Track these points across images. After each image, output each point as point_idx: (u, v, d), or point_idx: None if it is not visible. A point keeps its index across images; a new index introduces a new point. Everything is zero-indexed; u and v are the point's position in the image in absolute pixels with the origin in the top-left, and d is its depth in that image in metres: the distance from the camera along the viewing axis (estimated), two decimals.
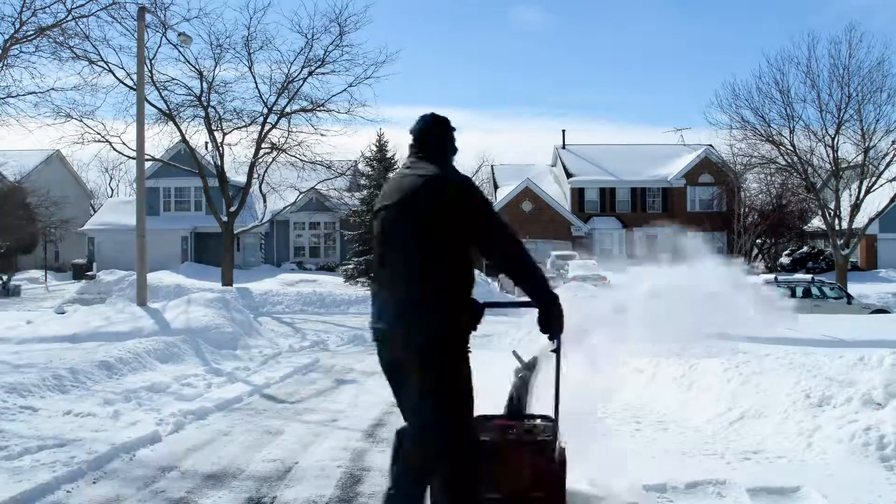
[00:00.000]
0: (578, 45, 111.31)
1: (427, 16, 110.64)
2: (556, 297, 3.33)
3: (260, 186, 27.48)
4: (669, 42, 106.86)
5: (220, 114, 24.45)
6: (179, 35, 17.28)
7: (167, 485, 5.00)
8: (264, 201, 29.46)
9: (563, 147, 44.45)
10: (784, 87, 26.16)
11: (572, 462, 4.12)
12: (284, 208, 30.10)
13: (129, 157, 23.92)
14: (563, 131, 45.82)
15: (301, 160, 25.29)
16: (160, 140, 26.82)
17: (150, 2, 19.35)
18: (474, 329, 3.35)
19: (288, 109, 24.80)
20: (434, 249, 3.10)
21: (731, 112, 27.49)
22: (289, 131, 25.20)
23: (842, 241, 25.63)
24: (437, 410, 3.13)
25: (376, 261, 3.39)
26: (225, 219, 25.04)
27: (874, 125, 25.47)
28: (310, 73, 24.41)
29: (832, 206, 26.32)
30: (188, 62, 23.46)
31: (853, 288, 24.27)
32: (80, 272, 34.99)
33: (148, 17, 17.91)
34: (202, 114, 24.06)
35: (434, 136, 3.49)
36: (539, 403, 4.80)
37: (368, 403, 8.37)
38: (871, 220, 26.56)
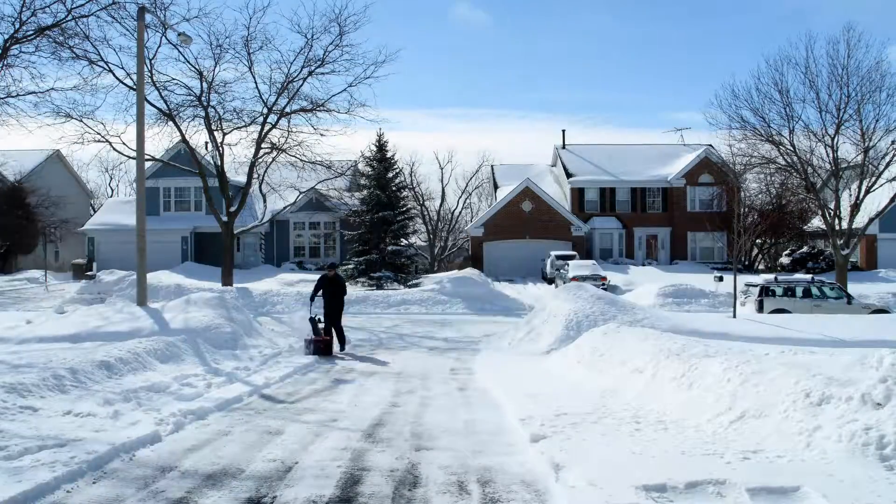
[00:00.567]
0: (578, 45, 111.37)
1: (427, 16, 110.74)
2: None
3: (260, 186, 27.47)
4: (670, 42, 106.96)
5: (220, 114, 24.44)
6: (179, 35, 17.26)
7: (167, 484, 5.00)
8: (264, 201, 29.45)
9: (563, 147, 44.43)
10: (783, 87, 26.17)
11: (571, 462, 4.09)
12: (284, 208, 30.10)
13: (129, 157, 23.90)
14: (563, 131, 45.83)
15: (301, 160, 25.28)
16: (160, 140, 26.88)
17: (150, 2, 19.34)
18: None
19: (288, 109, 24.79)
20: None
21: (731, 112, 27.49)
22: (289, 131, 25.18)
23: (842, 241, 25.62)
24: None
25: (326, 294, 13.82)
26: (225, 219, 25.03)
27: (874, 125, 25.47)
28: (310, 73, 24.40)
29: (832, 206, 26.31)
30: (188, 62, 23.45)
31: (853, 288, 24.26)
32: (80, 272, 34.98)
33: (148, 17, 17.91)
34: (202, 114, 24.06)
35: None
36: None
37: (368, 403, 8.37)
38: (871, 220, 26.55)
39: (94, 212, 43.61)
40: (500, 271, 37.04)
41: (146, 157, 17.62)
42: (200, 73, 23.35)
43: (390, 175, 31.18)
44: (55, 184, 40.88)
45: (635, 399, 7.95)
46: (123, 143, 23.57)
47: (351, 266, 29.60)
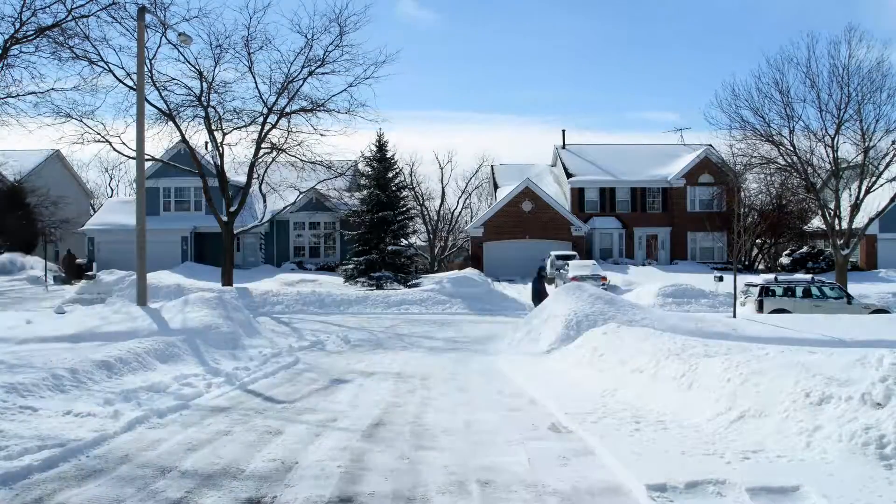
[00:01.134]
0: (577, 44, 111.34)
1: (424, 19, 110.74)
2: None
3: (260, 186, 27.48)
4: (671, 41, 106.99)
5: (220, 114, 24.45)
6: (179, 35, 17.26)
7: (167, 484, 5.00)
8: (264, 201, 29.47)
9: (563, 147, 44.43)
10: (784, 86, 26.16)
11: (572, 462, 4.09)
12: (284, 208, 30.10)
13: (129, 157, 23.91)
14: (563, 131, 45.84)
15: (301, 160, 25.29)
16: (160, 140, 26.80)
17: (150, 2, 19.36)
18: None
19: (288, 109, 24.80)
20: None
21: (731, 112, 27.49)
22: (289, 131, 25.20)
23: (842, 241, 25.61)
24: None
25: None
26: (225, 219, 25.04)
27: (874, 125, 25.45)
28: (310, 73, 24.42)
29: (832, 206, 26.30)
30: (188, 62, 23.46)
31: (853, 288, 24.26)
32: (80, 272, 34.96)
33: (148, 17, 17.91)
34: (202, 114, 24.06)
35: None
36: None
37: (368, 403, 8.37)
38: (871, 220, 26.55)
39: (94, 212, 43.60)
40: (500, 271, 37.02)
41: (146, 157, 17.63)
42: (200, 73, 23.36)
43: (390, 175, 31.17)
44: (55, 184, 40.87)
45: (636, 399, 7.95)
46: (123, 143, 23.59)
47: (351, 266, 29.59)
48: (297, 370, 11.38)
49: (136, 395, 8.20)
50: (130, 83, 21.87)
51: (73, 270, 34.21)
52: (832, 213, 25.92)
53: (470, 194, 55.65)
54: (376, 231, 29.91)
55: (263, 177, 26.79)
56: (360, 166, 33.60)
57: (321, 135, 24.83)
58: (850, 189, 26.77)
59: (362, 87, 31.80)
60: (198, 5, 66.89)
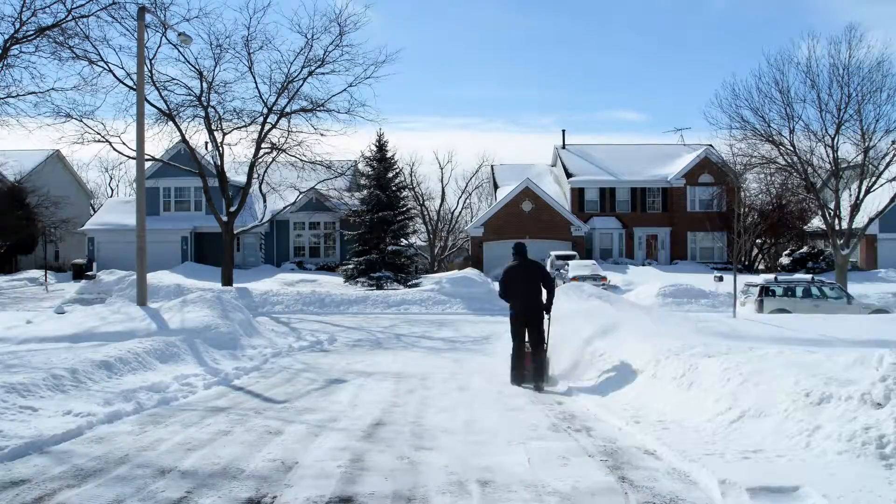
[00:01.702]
0: (576, 45, 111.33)
1: (427, 16, 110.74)
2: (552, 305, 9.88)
3: (260, 186, 27.49)
4: (670, 41, 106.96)
5: (220, 114, 24.48)
6: (179, 35, 17.28)
7: (166, 484, 5.00)
8: (264, 201, 29.49)
9: (563, 147, 44.46)
10: (784, 86, 26.18)
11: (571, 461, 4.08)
12: (284, 208, 30.11)
13: (129, 157, 23.93)
14: (563, 131, 45.91)
15: (301, 160, 25.32)
16: (160, 140, 26.94)
17: (150, 2, 19.37)
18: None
19: (288, 109, 24.83)
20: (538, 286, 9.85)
21: (731, 112, 27.50)
22: (289, 131, 25.23)
23: (842, 241, 25.61)
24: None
25: (518, 286, 9.78)
26: (225, 219, 25.04)
27: (874, 125, 25.47)
28: (310, 73, 24.45)
29: (832, 206, 26.30)
30: (188, 62, 23.49)
31: (853, 288, 24.26)
32: (80, 272, 34.98)
33: (148, 17, 17.92)
34: (202, 114, 24.08)
35: (523, 249, 10.03)
36: None
37: (368, 403, 8.37)
38: (871, 220, 26.55)
39: (94, 212, 43.61)
40: (500, 271, 37.06)
41: (146, 157, 17.64)
42: (200, 73, 23.38)
43: (390, 175, 31.19)
44: (55, 184, 40.89)
45: (635, 399, 7.95)
46: (123, 143, 23.63)
47: (351, 266, 29.60)
48: (297, 370, 11.38)
49: (136, 395, 8.20)
50: (130, 83, 21.89)
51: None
52: (832, 213, 25.92)
53: (470, 194, 55.72)
54: (376, 231, 29.93)
55: (263, 177, 26.81)
56: (360, 166, 33.64)
57: (321, 135, 24.88)
58: (850, 189, 26.77)
59: (362, 87, 31.87)
60: (198, 5, 66.93)
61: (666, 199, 40.71)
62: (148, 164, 23.87)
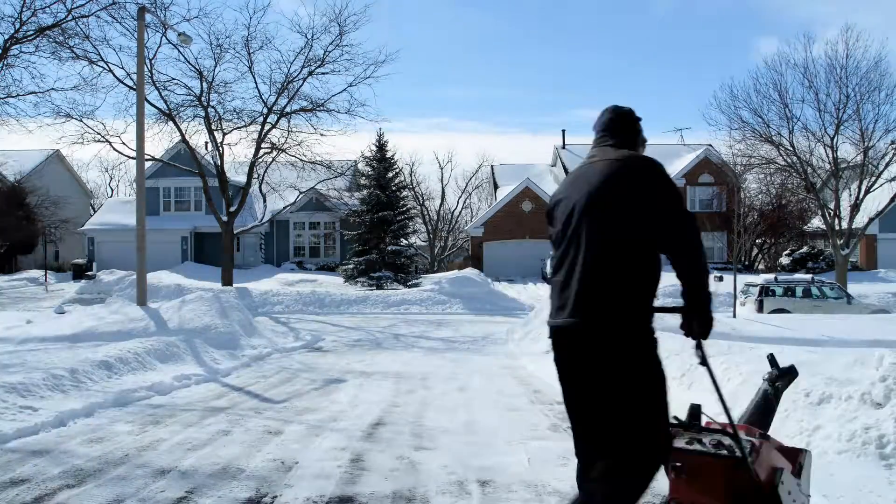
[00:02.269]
0: (575, 44, 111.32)
1: (428, 16, 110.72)
2: (705, 307, 2.96)
3: (260, 186, 27.50)
4: (670, 40, 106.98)
5: (220, 114, 24.49)
6: (179, 35, 17.28)
7: (166, 484, 5.00)
8: (264, 201, 29.50)
9: (563, 147, 44.45)
10: (782, 87, 26.19)
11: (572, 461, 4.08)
12: (284, 208, 30.11)
13: (129, 157, 23.94)
14: (563, 131, 45.93)
15: (301, 160, 25.33)
16: (160, 140, 26.97)
17: (150, 2, 19.37)
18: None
19: (288, 109, 24.84)
20: (624, 243, 2.85)
21: (730, 113, 27.54)
22: (289, 131, 25.25)
23: (842, 241, 25.62)
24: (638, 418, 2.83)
25: (558, 258, 3.09)
26: (225, 219, 25.04)
27: (873, 125, 25.49)
28: (310, 73, 24.46)
29: (832, 206, 26.31)
30: (188, 62, 23.51)
31: (853, 288, 24.26)
32: (80, 272, 34.98)
33: (148, 16, 17.92)
34: (202, 114, 24.09)
35: (624, 124, 3.19)
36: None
37: (368, 403, 8.37)
38: (871, 220, 26.56)
39: (94, 212, 43.60)
40: (500, 271, 37.03)
41: (146, 157, 17.64)
42: (200, 73, 23.39)
43: (390, 175, 31.20)
44: (55, 184, 40.89)
45: None
46: (123, 143, 23.65)
47: (351, 266, 29.60)
48: (297, 370, 11.38)
49: (136, 395, 8.20)
50: (130, 83, 21.89)
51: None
52: (832, 213, 25.93)
53: (470, 194, 55.71)
54: (376, 231, 29.93)
55: (263, 177, 26.83)
56: (360, 166, 33.64)
57: (321, 135, 24.91)
58: (849, 189, 26.78)
59: (362, 86, 31.86)
60: (198, 5, 66.88)
61: None
62: (148, 164, 23.86)
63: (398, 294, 25.53)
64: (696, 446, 3.13)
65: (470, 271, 30.60)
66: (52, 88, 20.14)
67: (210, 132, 24.40)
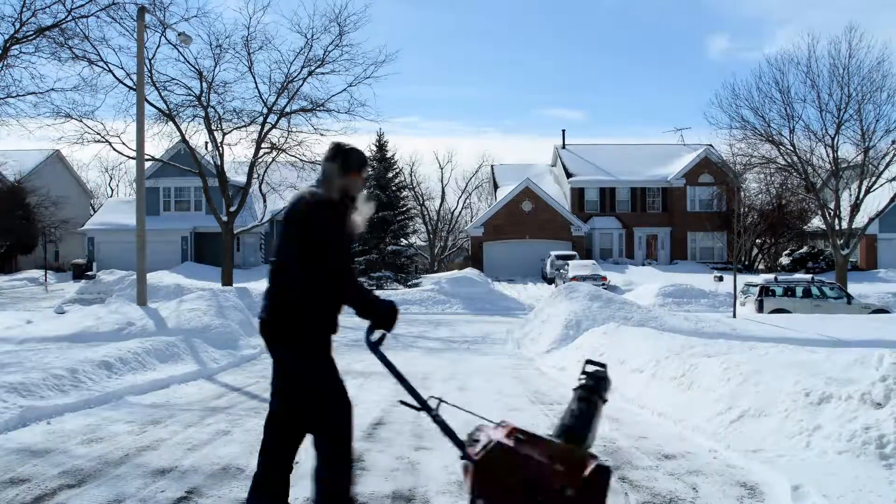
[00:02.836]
0: (576, 44, 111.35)
1: (427, 16, 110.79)
2: (377, 309, 3.97)
3: (260, 186, 27.50)
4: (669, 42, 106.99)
5: (220, 114, 24.48)
6: (179, 35, 17.27)
7: (167, 484, 5.00)
8: (264, 201, 29.49)
9: (563, 147, 44.46)
10: (784, 86, 26.20)
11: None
12: (284, 208, 30.17)
13: (129, 157, 23.93)
14: (563, 131, 45.95)
15: (301, 160, 25.32)
16: (160, 140, 26.89)
17: (149, 2, 19.37)
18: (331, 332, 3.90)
19: (288, 109, 24.83)
20: (291, 257, 3.71)
21: (731, 112, 27.55)
22: (288, 131, 25.24)
23: (842, 241, 25.62)
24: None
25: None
26: (225, 219, 25.04)
27: (874, 125, 25.51)
28: (310, 73, 24.44)
29: (832, 206, 26.31)
30: (188, 62, 23.51)
31: (853, 288, 24.27)
32: (80, 272, 34.98)
33: (147, 17, 17.92)
34: (202, 114, 24.08)
35: (324, 161, 4.05)
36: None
37: (368, 403, 8.37)
38: (871, 220, 26.56)
39: (94, 212, 43.61)
40: (500, 271, 37.04)
41: (146, 157, 17.64)
42: (200, 73, 23.38)
43: (390, 175, 31.21)
44: (55, 184, 40.90)
45: (636, 399, 7.95)
46: (123, 143, 23.63)
47: None
48: None
49: (136, 395, 8.20)
50: (130, 83, 21.89)
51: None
52: (832, 213, 25.93)
53: (470, 194, 55.75)
54: (376, 231, 29.95)
55: (263, 177, 26.82)
56: None
57: (321, 135, 24.89)
58: (850, 189, 26.80)
59: (362, 86, 31.83)
60: (197, 5, 66.83)
61: (666, 199, 40.70)
62: (148, 164, 23.86)
63: (398, 294, 25.53)
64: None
65: (470, 271, 30.61)
66: (52, 89, 20.14)
67: (210, 132, 24.40)
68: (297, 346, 3.72)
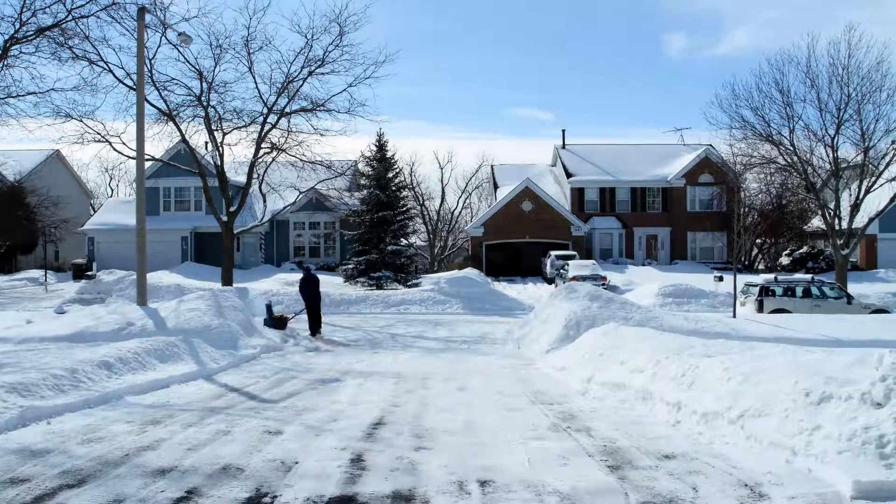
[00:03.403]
0: (576, 45, 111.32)
1: (428, 15, 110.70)
2: None
3: (260, 186, 27.48)
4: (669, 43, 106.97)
5: (220, 114, 24.44)
6: (179, 35, 17.25)
7: (166, 484, 5.00)
8: (264, 201, 29.46)
9: (563, 147, 44.44)
10: (784, 86, 26.15)
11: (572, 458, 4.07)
12: (284, 208, 30.10)
13: (129, 157, 23.88)
14: (563, 131, 45.86)
15: (301, 160, 25.29)
16: (160, 140, 26.84)
17: (149, 2, 19.34)
18: None
19: (288, 109, 24.79)
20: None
21: (731, 112, 27.49)
22: (288, 131, 25.19)
23: (842, 241, 25.61)
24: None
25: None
26: (225, 219, 25.02)
27: (874, 125, 25.44)
28: (310, 73, 24.40)
29: (832, 206, 26.29)
30: (188, 62, 23.46)
31: (853, 288, 24.27)
32: (80, 272, 34.97)
33: (148, 17, 17.91)
34: (202, 114, 24.05)
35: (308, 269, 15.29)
36: None
37: (368, 403, 8.37)
38: (871, 220, 26.54)
39: (94, 212, 43.60)
40: (500, 271, 37.03)
41: (146, 156, 17.62)
42: (200, 73, 23.35)
43: (390, 175, 31.17)
44: (55, 184, 40.88)
45: (636, 398, 7.95)
46: (123, 143, 23.59)
47: (351, 266, 29.58)
48: (297, 370, 11.38)
49: (136, 395, 8.20)
50: (130, 83, 21.87)
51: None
52: (832, 213, 25.92)
53: (470, 194, 55.71)
54: (376, 231, 29.90)
55: (263, 177, 26.79)
56: (360, 166, 33.60)
57: (321, 135, 24.85)
58: (850, 189, 26.77)
59: (362, 87, 31.84)
60: (198, 5, 66.85)
61: (666, 199, 40.69)
62: (148, 164, 23.85)
63: (398, 294, 25.52)
64: None
65: (470, 271, 30.59)
66: (52, 89, 20.11)
67: (210, 132, 24.37)
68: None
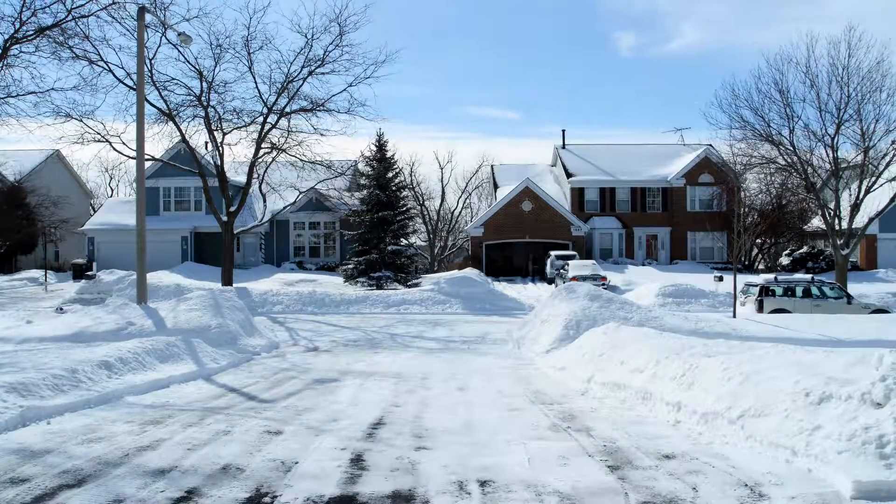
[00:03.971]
0: (576, 45, 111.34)
1: (428, 15, 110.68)
2: None
3: (260, 186, 27.48)
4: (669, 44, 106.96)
5: (220, 114, 24.45)
6: (179, 35, 17.27)
7: (166, 484, 5.00)
8: (264, 201, 29.48)
9: (563, 147, 44.43)
10: (783, 86, 26.14)
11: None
12: (284, 208, 30.11)
13: (129, 157, 23.91)
14: (563, 131, 45.81)
15: (301, 160, 25.30)
16: (160, 140, 26.86)
17: (150, 2, 19.35)
18: None
19: (288, 109, 24.81)
20: None
21: (731, 112, 27.50)
22: (288, 131, 25.21)
23: (842, 241, 25.60)
24: None
25: None
26: (225, 219, 25.03)
27: (874, 125, 25.42)
28: (310, 73, 24.42)
29: (832, 206, 26.29)
30: (188, 62, 23.49)
31: (853, 288, 24.26)
32: (80, 272, 34.96)
33: (148, 16, 17.90)
34: (202, 114, 24.06)
35: None
36: None
37: (368, 402, 8.37)
38: (871, 220, 26.53)
39: (94, 212, 43.60)
40: (500, 271, 37.03)
41: (146, 156, 17.63)
42: (200, 73, 23.36)
43: (390, 175, 31.17)
44: (55, 184, 40.87)
45: (636, 398, 7.95)
46: (123, 143, 23.61)
47: (351, 266, 29.57)
48: (297, 370, 11.38)
49: (135, 395, 8.20)
50: (130, 83, 21.88)
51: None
52: (832, 213, 25.91)
53: (470, 194, 55.68)
54: (376, 231, 29.90)
55: (263, 177, 26.80)
56: (360, 166, 33.60)
57: (321, 135, 24.87)
58: (850, 189, 26.77)
59: (362, 86, 31.85)
60: (198, 5, 66.84)
61: (666, 199, 40.68)
62: (148, 164, 23.85)
63: (398, 294, 25.53)
64: None
65: (470, 271, 30.58)
66: (52, 88, 20.12)
67: (210, 132, 24.39)
68: None
